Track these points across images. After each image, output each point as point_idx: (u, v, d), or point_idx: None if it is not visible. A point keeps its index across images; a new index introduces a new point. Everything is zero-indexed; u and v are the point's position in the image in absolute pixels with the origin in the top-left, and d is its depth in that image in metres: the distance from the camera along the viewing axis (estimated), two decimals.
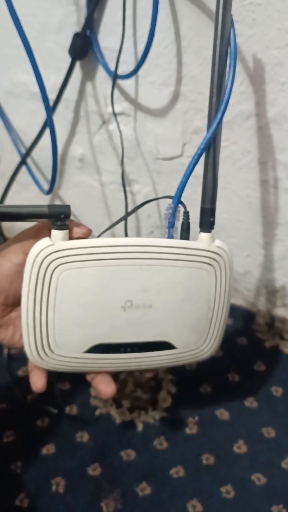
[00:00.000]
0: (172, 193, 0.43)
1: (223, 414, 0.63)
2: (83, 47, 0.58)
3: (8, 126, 0.74)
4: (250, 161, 0.60)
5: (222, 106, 0.41)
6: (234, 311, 0.78)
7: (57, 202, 0.82)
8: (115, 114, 0.61)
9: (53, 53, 0.62)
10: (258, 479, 0.56)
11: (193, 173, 0.42)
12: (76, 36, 0.57)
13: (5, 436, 0.60)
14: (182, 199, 0.43)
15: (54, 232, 0.38)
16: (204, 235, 0.42)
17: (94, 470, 0.57)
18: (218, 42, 0.41)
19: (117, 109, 0.63)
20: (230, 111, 0.56)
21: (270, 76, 0.52)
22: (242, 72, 0.52)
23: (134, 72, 0.56)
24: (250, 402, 0.65)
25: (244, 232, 0.68)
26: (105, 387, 0.44)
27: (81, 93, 0.64)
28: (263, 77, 0.52)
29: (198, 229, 0.43)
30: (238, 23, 0.49)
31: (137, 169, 0.69)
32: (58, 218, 0.38)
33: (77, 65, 0.61)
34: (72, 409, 0.63)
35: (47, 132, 0.64)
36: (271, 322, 0.76)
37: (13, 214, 0.38)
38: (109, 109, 0.64)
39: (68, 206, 0.38)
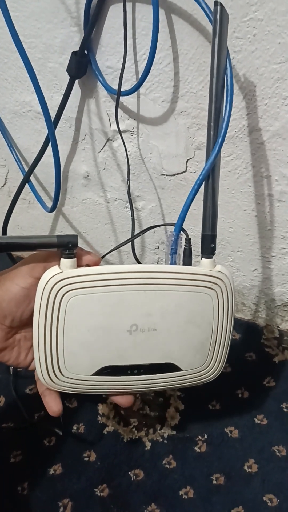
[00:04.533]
0: (177, 208, 0.43)
1: (232, 431, 0.62)
2: (80, 66, 0.58)
3: (14, 146, 0.75)
4: (254, 175, 0.59)
5: (219, 139, 0.42)
6: (241, 325, 0.77)
7: (63, 220, 0.83)
8: (120, 132, 0.62)
9: (57, 73, 0.63)
10: (271, 500, 0.55)
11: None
12: (73, 55, 0.58)
13: (12, 456, 0.59)
14: (188, 214, 0.43)
15: (62, 261, 0.40)
16: (206, 261, 0.43)
17: (102, 491, 0.56)
18: (214, 79, 0.42)
19: (121, 126, 0.63)
20: (233, 126, 0.56)
21: (272, 90, 0.52)
22: (245, 88, 0.53)
23: (136, 88, 0.57)
24: (260, 419, 0.63)
25: (250, 246, 0.68)
26: (121, 399, 0.45)
27: (85, 111, 0.65)
28: (265, 91, 0.52)
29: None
30: (239, 39, 0.50)
31: (142, 185, 0.69)
32: (66, 247, 0.39)
33: (79, 84, 0.61)
34: (79, 428, 0.63)
35: (51, 150, 0.64)
36: (280, 337, 0.75)
37: (24, 244, 0.40)
38: (113, 126, 0.64)
39: (76, 236, 0.40)
